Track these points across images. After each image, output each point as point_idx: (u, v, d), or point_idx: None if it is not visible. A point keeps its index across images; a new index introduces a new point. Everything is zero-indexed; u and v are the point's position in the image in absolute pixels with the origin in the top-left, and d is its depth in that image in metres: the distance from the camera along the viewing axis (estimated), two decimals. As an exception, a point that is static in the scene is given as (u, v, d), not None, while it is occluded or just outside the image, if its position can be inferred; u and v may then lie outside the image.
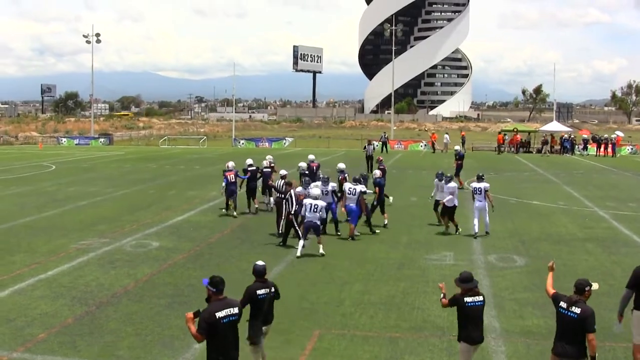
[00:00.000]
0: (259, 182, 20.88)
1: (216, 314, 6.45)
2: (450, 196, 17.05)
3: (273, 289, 7.73)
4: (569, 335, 6.84)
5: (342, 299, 11.46)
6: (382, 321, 10.31)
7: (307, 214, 14.72)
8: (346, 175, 19.58)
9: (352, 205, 16.48)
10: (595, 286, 7.07)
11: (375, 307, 10.99)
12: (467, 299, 7.30)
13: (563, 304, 6.93)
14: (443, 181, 17.81)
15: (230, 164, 20.78)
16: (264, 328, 7.74)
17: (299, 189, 16.55)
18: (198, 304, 8.33)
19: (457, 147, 30.62)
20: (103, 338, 9.51)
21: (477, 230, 17.00)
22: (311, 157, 23.22)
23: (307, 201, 14.88)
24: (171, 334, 9.67)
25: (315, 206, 14.67)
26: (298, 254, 14.57)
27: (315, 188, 15.68)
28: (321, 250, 14.70)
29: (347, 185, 16.78)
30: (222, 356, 6.53)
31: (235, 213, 20.02)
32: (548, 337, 9.40)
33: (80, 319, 10.37)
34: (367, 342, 9.40)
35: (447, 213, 17.30)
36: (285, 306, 10.99)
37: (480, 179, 17.28)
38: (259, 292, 7.57)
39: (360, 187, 16.59)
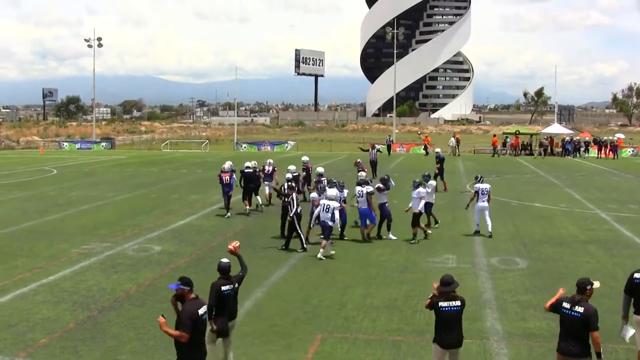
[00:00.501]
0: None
1: (198, 311, 6.79)
2: (422, 202, 16.67)
3: (237, 285, 8.14)
4: (573, 335, 6.92)
5: (344, 302, 11.45)
6: (385, 324, 10.30)
7: (321, 213, 15.17)
8: (323, 179, 19.38)
9: (364, 207, 16.57)
10: (596, 284, 7.15)
11: (378, 311, 10.98)
12: (442, 304, 7.35)
13: (566, 304, 7.02)
14: (423, 185, 17.86)
15: (226, 165, 20.96)
16: (229, 323, 8.08)
17: (314, 194, 16.66)
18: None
19: (438, 150, 30.48)
20: (105, 343, 9.50)
21: (479, 228, 17.28)
22: (305, 158, 23.32)
23: (322, 201, 15.42)
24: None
25: (327, 206, 15.05)
26: (331, 252, 15.03)
27: (332, 189, 16.00)
28: (319, 255, 14.73)
29: (357, 189, 16.86)
30: (196, 352, 6.80)
31: (228, 213, 20.35)
32: (550, 339, 9.40)
33: (82, 323, 10.37)
34: (370, 345, 9.40)
35: (414, 218, 16.69)
36: (287, 310, 11.03)
37: (482, 180, 17.60)
38: (224, 288, 7.95)
39: (367, 189, 16.62)
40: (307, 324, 10.35)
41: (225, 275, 8.04)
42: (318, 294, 11.96)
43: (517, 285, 12.65)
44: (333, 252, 15.12)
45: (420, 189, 16.83)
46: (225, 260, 8.11)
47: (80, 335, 9.78)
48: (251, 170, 20.86)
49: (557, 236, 17.52)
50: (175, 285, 6.97)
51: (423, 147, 54.03)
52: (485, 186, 17.35)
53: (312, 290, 12.23)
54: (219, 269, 8.05)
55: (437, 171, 27.64)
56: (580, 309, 6.88)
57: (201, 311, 6.86)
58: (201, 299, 7.02)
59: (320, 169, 20.39)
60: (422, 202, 16.68)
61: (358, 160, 24.76)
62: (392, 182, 17.86)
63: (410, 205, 17.02)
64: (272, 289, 12.40)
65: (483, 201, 17.16)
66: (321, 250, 14.82)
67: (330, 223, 15.01)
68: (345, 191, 17.66)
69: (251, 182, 20.67)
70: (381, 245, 16.24)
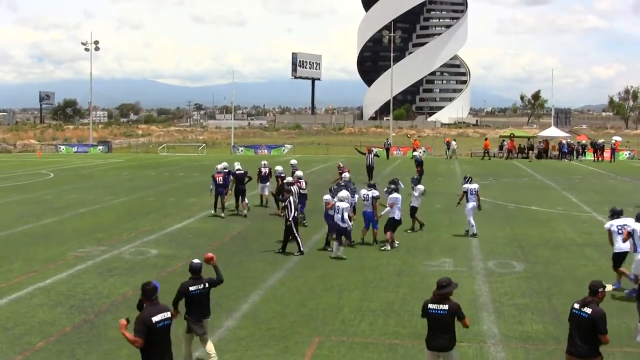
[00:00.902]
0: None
1: (152, 318, 6.75)
2: (388, 208, 16.23)
3: (207, 284, 8.28)
4: (580, 335, 7.03)
5: (341, 306, 11.44)
6: (382, 328, 10.30)
7: (334, 215, 15.37)
8: (301, 181, 19.49)
9: (368, 210, 16.57)
10: (608, 287, 7.25)
11: (375, 314, 10.98)
12: (431, 306, 7.41)
13: (576, 305, 7.17)
14: (412, 187, 18.04)
15: (220, 165, 21.52)
16: (203, 321, 8.31)
17: (327, 196, 16.67)
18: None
19: (416, 154, 30.35)
20: (101, 346, 9.49)
21: (475, 231, 17.40)
22: (293, 162, 23.42)
23: (336, 204, 15.57)
24: (170, 341, 9.64)
25: (338, 208, 15.25)
26: (332, 255, 15.12)
27: (344, 191, 16.06)
28: (340, 253, 14.97)
29: (362, 192, 16.85)
30: (159, 359, 6.82)
31: (223, 214, 20.69)
32: (547, 342, 9.43)
33: (79, 327, 10.35)
34: (367, 348, 9.39)
35: (389, 225, 16.21)
36: (284, 313, 11.03)
37: (470, 180, 17.97)
38: (191, 288, 8.18)
39: (373, 193, 16.58)
40: (304, 327, 10.34)
41: (196, 275, 8.21)
42: (315, 297, 11.96)
43: (514, 288, 12.64)
44: (344, 257, 15.09)
45: (394, 195, 16.36)
46: (196, 260, 8.36)
47: (76, 339, 9.77)
48: (242, 172, 21.34)
49: (554, 239, 17.54)
50: (156, 283, 7.10)
51: (412, 150, 54.25)
52: (473, 186, 17.65)
53: (309, 294, 12.23)
54: (190, 269, 8.24)
55: (417, 174, 27.67)
56: (588, 310, 7.00)
57: (156, 318, 6.73)
58: (161, 306, 6.93)
59: (299, 173, 20.54)
60: (389, 209, 16.20)
61: (339, 164, 24.81)
62: (402, 185, 17.79)
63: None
64: (268, 292, 12.39)
65: (473, 201, 17.48)
66: (341, 247, 15.14)
67: (342, 225, 15.15)
68: (356, 196, 17.68)
69: (241, 184, 21.19)
70: (378, 249, 16.22)
